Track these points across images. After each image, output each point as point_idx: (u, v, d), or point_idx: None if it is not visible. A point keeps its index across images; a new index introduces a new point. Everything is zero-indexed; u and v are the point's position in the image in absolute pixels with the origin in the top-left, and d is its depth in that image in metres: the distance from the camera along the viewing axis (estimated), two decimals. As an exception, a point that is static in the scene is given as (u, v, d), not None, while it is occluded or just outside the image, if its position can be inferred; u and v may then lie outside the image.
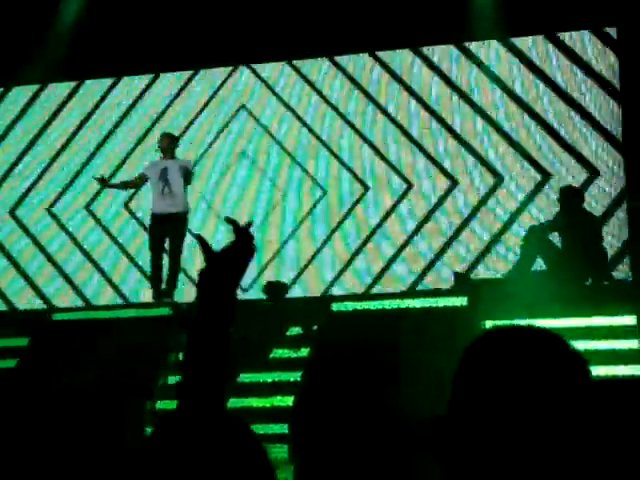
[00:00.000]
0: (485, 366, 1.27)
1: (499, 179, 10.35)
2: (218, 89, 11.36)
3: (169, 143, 9.44)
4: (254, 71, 11.29)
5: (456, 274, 9.40)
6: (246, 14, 10.65)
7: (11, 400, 1.72)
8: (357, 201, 10.69)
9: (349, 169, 10.79)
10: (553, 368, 1.25)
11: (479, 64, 10.55)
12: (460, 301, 8.13)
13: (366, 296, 9.49)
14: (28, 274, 11.51)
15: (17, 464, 1.63)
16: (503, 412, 1.23)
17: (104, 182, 9.46)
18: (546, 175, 10.23)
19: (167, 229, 9.23)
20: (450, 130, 10.57)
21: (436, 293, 9.07)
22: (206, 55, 10.97)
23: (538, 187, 10.24)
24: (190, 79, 11.47)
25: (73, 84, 11.73)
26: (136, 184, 9.67)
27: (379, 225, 10.59)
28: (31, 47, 10.98)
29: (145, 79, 11.58)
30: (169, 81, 11.54)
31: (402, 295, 9.07)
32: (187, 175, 9.30)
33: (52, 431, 1.68)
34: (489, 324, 7.84)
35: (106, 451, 1.58)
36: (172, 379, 8.13)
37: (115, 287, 11.22)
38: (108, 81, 11.66)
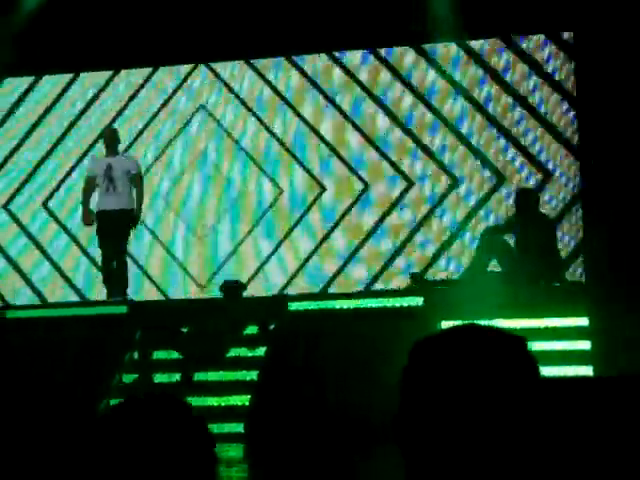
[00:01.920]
0: (435, 361, 1.26)
1: (454, 181, 10.44)
2: (177, 89, 11.31)
3: (113, 138, 9.31)
4: (213, 70, 11.25)
5: (412, 274, 9.46)
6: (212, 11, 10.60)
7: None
8: (314, 201, 10.71)
9: (306, 169, 10.81)
10: (503, 365, 1.25)
11: (438, 66, 10.63)
12: (416, 301, 8.20)
13: (322, 295, 9.51)
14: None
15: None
16: (451, 407, 1.22)
17: (89, 221, 9.29)
18: (500, 177, 10.35)
19: (112, 226, 9.13)
20: (408, 132, 10.63)
21: (392, 293, 9.13)
22: (165, 52, 10.89)
23: (492, 189, 10.35)
24: (149, 77, 11.39)
25: (30, 79, 11.60)
26: (92, 188, 9.36)
27: (335, 225, 10.63)
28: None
29: (104, 75, 11.47)
30: (130, 78, 11.44)
31: (358, 295, 9.11)
32: (134, 178, 9.16)
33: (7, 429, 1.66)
34: (445, 324, 7.91)
35: (61, 450, 1.58)
36: (127, 377, 8.09)
37: (71, 284, 11.11)
38: (67, 77, 11.54)
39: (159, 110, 11.32)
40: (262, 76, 11.10)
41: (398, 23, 10.27)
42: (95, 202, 9.31)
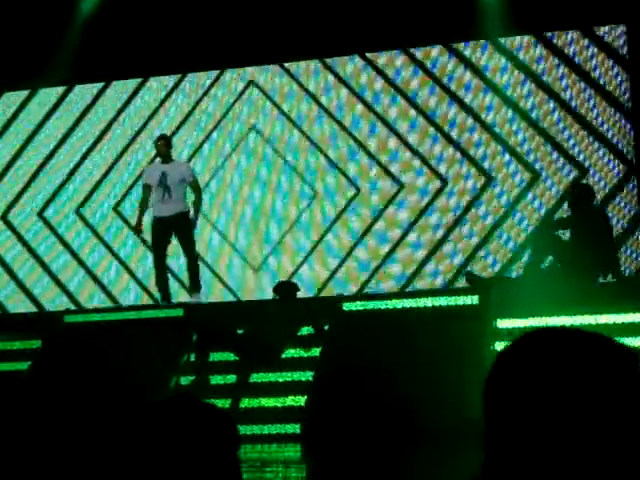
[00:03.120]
0: (527, 371, 1.15)
1: (488, 179, 10.39)
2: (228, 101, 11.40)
3: (167, 146, 9.38)
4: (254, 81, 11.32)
5: (467, 273, 9.40)
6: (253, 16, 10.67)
7: (23, 402, 1.75)
8: (349, 201, 10.74)
9: (344, 173, 10.83)
10: (606, 369, 1.13)
11: (470, 65, 10.57)
12: (471, 300, 8.14)
13: (377, 296, 9.49)
14: (55, 274, 11.56)
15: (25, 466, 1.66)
16: (554, 420, 1.11)
17: (139, 230, 9.42)
18: (535, 175, 10.28)
19: (171, 231, 9.24)
20: (442, 132, 10.59)
21: (447, 292, 9.08)
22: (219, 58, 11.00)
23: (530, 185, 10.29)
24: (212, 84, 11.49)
25: (61, 89, 11.78)
26: (148, 197, 9.42)
27: (373, 223, 10.61)
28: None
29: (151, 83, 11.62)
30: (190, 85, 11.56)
31: (413, 294, 9.07)
32: (190, 185, 9.25)
33: (63, 436, 1.70)
34: (500, 323, 7.85)
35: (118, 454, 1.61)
36: (185, 379, 8.16)
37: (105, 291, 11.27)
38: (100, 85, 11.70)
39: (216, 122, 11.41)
40: (300, 84, 11.13)
41: (447, 21, 10.23)
42: (151, 209, 9.40)
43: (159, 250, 9.30)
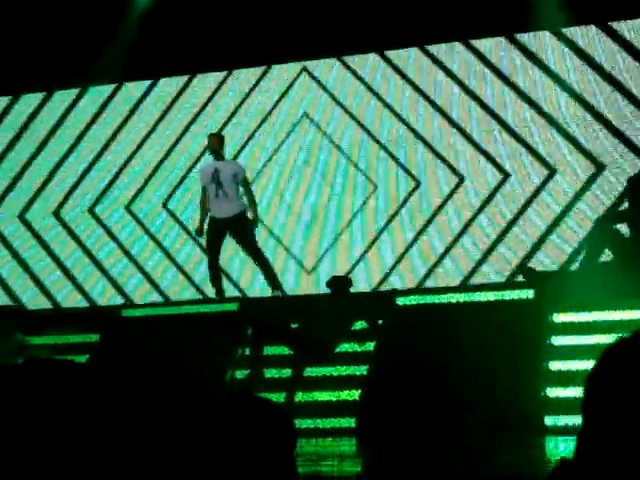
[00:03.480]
0: (634, 369, 1.15)
1: (551, 172, 10.24)
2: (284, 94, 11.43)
3: (219, 143, 9.42)
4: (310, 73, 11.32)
5: (522, 267, 9.31)
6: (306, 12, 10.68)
7: (83, 394, 1.77)
8: (408, 196, 10.69)
9: (401, 165, 10.78)
10: None
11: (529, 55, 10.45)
12: (527, 294, 8.05)
13: (431, 290, 9.44)
14: (106, 271, 11.74)
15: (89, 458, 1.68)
16: None
17: (200, 232, 9.49)
18: (599, 166, 10.11)
19: (225, 232, 9.29)
20: (503, 123, 10.48)
21: (502, 286, 9.00)
22: (271, 53, 11.04)
23: (592, 178, 10.12)
24: (259, 80, 11.54)
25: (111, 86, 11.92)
26: (206, 199, 9.41)
27: (432, 217, 10.56)
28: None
29: (213, 79, 11.70)
30: (240, 80, 11.64)
31: (468, 289, 9.01)
32: (241, 182, 9.29)
33: (121, 429, 1.72)
34: (557, 317, 7.76)
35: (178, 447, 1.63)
36: (240, 373, 8.22)
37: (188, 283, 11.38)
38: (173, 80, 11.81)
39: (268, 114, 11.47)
40: (356, 74, 11.11)
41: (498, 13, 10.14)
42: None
43: (214, 250, 9.35)
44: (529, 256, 10.12)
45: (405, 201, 10.73)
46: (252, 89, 11.52)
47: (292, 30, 10.72)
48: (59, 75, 11.61)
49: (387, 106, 10.95)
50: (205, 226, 9.38)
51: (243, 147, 11.38)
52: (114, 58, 11.20)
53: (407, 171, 10.79)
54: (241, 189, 9.36)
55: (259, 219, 9.56)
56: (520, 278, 9.16)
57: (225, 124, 11.41)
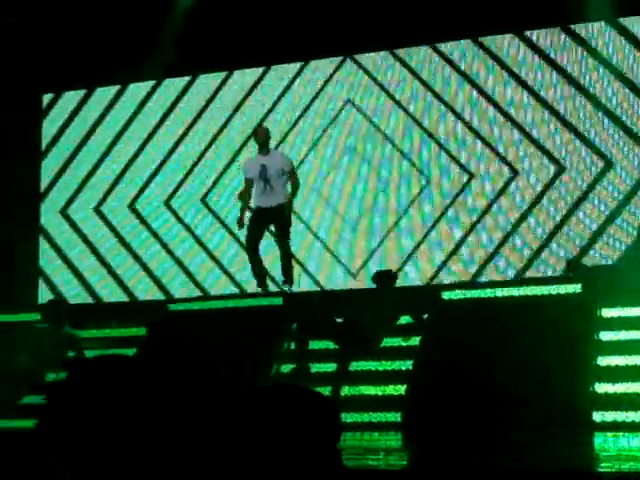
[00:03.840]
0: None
1: (607, 165, 10.11)
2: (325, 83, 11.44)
3: (265, 136, 9.43)
4: (357, 62, 11.31)
5: (569, 261, 9.22)
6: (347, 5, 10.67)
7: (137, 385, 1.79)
8: (461, 190, 10.62)
9: (453, 157, 10.71)
10: None
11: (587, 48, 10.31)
12: (574, 288, 7.98)
13: (477, 284, 9.40)
14: (147, 266, 11.87)
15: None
16: None
17: (242, 224, 9.46)
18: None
19: (268, 222, 9.32)
20: (558, 115, 10.37)
21: (549, 280, 8.93)
22: (310, 48, 11.05)
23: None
24: (298, 73, 11.57)
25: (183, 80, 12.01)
26: (250, 190, 9.47)
27: (484, 213, 10.49)
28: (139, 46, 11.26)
29: (253, 74, 11.75)
30: (276, 74, 11.68)
31: (514, 283, 8.95)
32: (289, 175, 9.30)
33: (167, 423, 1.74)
34: (605, 312, 7.68)
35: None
36: (285, 367, 8.25)
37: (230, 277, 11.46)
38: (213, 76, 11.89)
39: (308, 105, 11.48)
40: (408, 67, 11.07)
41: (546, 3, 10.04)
42: (252, 199, 9.49)
43: (253, 237, 9.35)
44: (582, 251, 10.01)
45: (457, 195, 10.65)
46: (291, 82, 11.54)
47: (335, 25, 10.72)
48: (99, 73, 11.74)
49: (441, 100, 10.87)
50: (246, 220, 9.40)
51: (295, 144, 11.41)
52: (159, 55, 11.29)
53: (461, 166, 10.71)
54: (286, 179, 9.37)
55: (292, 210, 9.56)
56: (568, 272, 9.07)
57: (264, 118, 11.45)
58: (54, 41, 11.64)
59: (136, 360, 1.78)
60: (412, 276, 10.56)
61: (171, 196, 11.92)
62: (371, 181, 11.08)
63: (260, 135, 9.45)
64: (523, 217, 10.37)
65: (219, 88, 11.91)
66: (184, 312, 9.39)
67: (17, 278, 11.88)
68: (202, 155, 11.85)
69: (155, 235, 11.90)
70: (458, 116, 10.78)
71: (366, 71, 11.26)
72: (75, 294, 11.86)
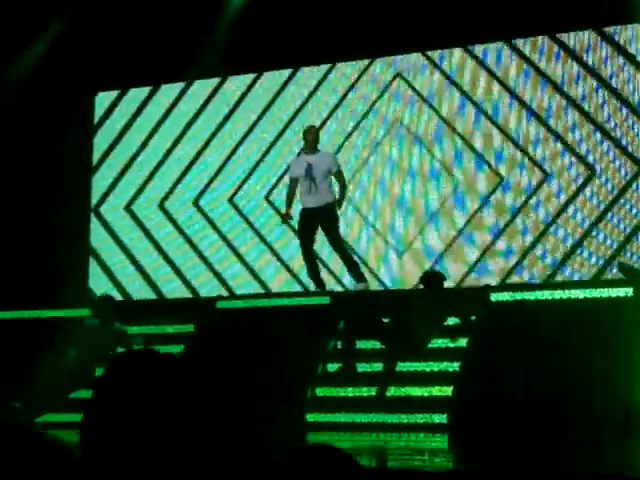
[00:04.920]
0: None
1: None
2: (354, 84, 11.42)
3: (315, 136, 9.43)
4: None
5: (620, 264, 9.09)
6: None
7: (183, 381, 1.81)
8: (493, 191, 10.53)
9: (530, 156, 10.63)
10: None
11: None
12: (625, 291, 7.86)
13: (526, 286, 9.31)
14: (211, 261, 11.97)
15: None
16: None
17: (287, 217, 9.51)
18: None
19: (316, 222, 9.31)
20: (588, 117, 10.24)
21: (600, 283, 8.81)
22: (344, 47, 11.03)
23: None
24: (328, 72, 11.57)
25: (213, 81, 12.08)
26: (295, 189, 9.50)
27: (558, 215, 10.39)
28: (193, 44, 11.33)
29: (285, 73, 11.78)
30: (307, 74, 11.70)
31: (563, 285, 8.84)
32: (336, 175, 9.29)
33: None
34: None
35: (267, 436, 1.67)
36: (331, 367, 8.26)
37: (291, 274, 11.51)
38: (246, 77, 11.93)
39: (337, 106, 11.47)
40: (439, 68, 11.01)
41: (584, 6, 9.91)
42: (298, 200, 9.51)
43: (306, 241, 9.39)
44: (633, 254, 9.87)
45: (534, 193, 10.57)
46: (356, 81, 11.53)
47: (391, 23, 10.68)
48: (159, 71, 11.84)
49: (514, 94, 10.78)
50: (293, 214, 9.41)
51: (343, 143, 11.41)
52: (213, 52, 11.35)
53: (490, 167, 10.64)
54: (334, 179, 9.37)
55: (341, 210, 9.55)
56: (619, 275, 8.93)
57: (326, 119, 11.46)
58: (103, 43, 11.78)
59: (175, 356, 1.81)
60: (459, 277, 10.50)
61: (234, 194, 11.97)
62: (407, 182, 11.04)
63: (310, 133, 9.45)
64: (559, 220, 10.25)
65: (249, 89, 11.96)
66: (232, 310, 9.44)
67: (68, 274, 12.05)
68: (265, 154, 11.85)
69: (218, 231, 11.96)
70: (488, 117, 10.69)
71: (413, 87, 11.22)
72: (129, 290, 12.03)
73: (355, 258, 9.75)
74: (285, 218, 9.56)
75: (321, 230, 9.37)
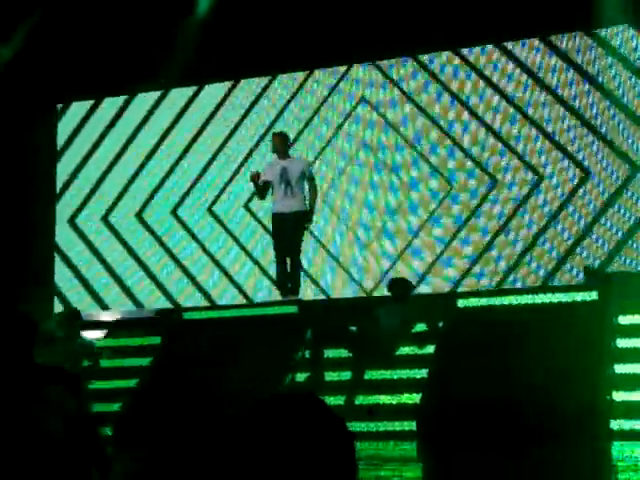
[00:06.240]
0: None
1: (634, 171, 10.02)
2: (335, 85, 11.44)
3: (282, 143, 9.41)
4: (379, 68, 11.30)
5: (585, 268, 9.15)
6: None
7: (150, 393, 1.77)
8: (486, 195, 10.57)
9: (476, 161, 10.67)
10: None
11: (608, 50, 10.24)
12: (590, 295, 7.92)
13: (493, 292, 9.35)
14: (157, 275, 11.90)
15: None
16: None
17: (257, 177, 9.29)
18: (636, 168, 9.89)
19: (288, 228, 9.29)
20: (577, 116, 10.29)
21: (565, 288, 8.87)
22: (323, 54, 11.05)
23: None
24: (305, 79, 11.58)
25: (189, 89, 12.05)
26: (265, 194, 9.45)
27: (509, 219, 10.43)
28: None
29: (262, 81, 11.77)
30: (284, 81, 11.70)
31: (530, 291, 8.89)
32: (308, 180, 9.27)
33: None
34: (622, 319, 7.62)
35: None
36: (300, 376, 8.23)
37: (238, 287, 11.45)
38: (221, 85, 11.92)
39: (316, 111, 11.48)
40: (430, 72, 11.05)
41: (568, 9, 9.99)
42: (271, 205, 9.45)
43: (279, 247, 9.35)
44: (600, 258, 9.93)
45: (483, 201, 10.59)
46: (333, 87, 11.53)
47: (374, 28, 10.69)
48: (131, 79, 11.78)
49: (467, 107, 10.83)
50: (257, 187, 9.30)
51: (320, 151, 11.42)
52: (180, 61, 11.31)
53: (484, 170, 10.65)
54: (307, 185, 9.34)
55: (313, 221, 9.52)
56: (584, 279, 9.00)
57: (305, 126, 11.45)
58: (65, 51, 11.70)
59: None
60: (428, 284, 10.52)
61: (178, 205, 11.93)
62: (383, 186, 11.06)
63: (277, 141, 9.42)
64: (544, 226, 10.29)
65: (225, 97, 11.94)
66: (199, 321, 9.39)
67: (32, 288, 11.93)
68: (242, 163, 11.82)
69: (197, 240, 11.91)
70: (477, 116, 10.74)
71: (381, 71, 11.24)
72: (88, 304, 11.93)
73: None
74: (255, 179, 9.33)
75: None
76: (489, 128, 10.67)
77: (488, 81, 10.76)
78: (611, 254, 9.81)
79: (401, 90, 11.15)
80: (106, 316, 11.21)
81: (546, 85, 10.49)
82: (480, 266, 10.44)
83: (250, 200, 11.59)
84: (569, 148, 10.33)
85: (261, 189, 9.34)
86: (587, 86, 10.36)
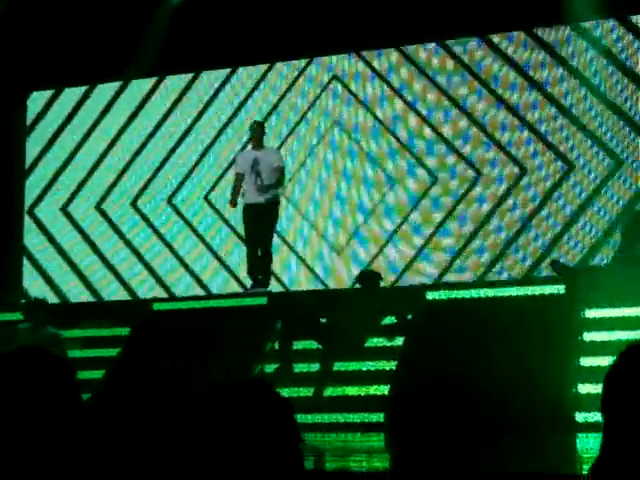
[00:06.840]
0: None
1: (617, 162, 10.08)
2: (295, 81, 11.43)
3: (261, 132, 9.43)
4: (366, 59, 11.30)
5: (552, 261, 9.22)
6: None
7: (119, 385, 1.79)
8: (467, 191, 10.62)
9: (462, 156, 10.71)
10: None
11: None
12: (557, 289, 7.99)
13: (461, 285, 9.40)
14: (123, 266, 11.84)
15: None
16: None
17: (234, 205, 9.41)
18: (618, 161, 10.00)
19: (257, 218, 9.29)
20: (561, 109, 10.33)
21: (532, 281, 8.94)
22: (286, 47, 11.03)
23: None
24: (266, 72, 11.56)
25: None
26: (241, 184, 9.43)
27: (490, 214, 10.47)
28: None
29: (222, 73, 11.73)
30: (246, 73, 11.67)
31: (497, 284, 8.96)
32: (279, 172, 9.28)
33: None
34: (588, 313, 7.69)
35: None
36: (269, 367, 8.24)
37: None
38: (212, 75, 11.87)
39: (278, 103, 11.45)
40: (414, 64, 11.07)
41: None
42: (243, 195, 9.44)
43: (250, 238, 9.35)
44: (566, 252, 10.02)
45: (466, 194, 10.61)
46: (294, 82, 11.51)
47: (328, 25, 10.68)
48: (95, 70, 11.68)
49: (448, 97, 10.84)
50: (239, 205, 9.34)
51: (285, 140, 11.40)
52: (150, 52, 11.24)
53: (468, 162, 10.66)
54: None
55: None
56: (551, 273, 9.08)
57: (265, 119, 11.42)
58: (38, 39, 11.59)
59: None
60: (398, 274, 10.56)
61: (172, 194, 11.87)
62: (355, 179, 11.08)
63: (255, 129, 9.42)
64: (529, 218, 10.34)
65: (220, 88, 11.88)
66: (169, 311, 9.36)
67: (1, 276, 11.84)
68: (202, 155, 11.77)
69: (123, 237, 11.87)
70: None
71: (367, 63, 11.24)
72: (57, 293, 11.85)
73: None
74: (233, 205, 9.42)
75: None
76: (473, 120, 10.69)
77: (471, 72, 10.77)
78: (594, 247, 9.92)
79: (389, 85, 11.15)
80: (74, 305, 11.16)
81: (532, 78, 10.51)
82: (461, 260, 10.50)
83: (210, 192, 11.59)
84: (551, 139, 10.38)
85: (235, 201, 9.32)
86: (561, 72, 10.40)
